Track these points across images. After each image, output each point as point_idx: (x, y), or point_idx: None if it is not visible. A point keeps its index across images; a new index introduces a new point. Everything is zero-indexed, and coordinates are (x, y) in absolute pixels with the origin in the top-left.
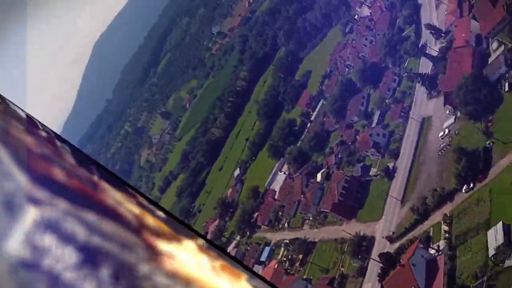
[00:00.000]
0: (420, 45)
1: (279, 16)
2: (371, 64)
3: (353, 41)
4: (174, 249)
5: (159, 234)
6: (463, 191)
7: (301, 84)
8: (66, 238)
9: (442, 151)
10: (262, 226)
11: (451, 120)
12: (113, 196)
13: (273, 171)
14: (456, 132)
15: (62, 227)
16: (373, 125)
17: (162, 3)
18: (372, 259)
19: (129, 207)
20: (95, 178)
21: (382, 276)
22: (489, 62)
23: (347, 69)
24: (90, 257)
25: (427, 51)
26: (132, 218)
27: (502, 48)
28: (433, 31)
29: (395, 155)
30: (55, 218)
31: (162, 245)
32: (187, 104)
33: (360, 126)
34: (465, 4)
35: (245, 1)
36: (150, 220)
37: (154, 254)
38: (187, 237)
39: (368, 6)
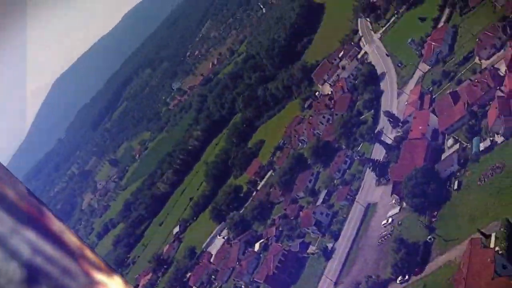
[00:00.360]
0: (376, 131)
1: (241, 82)
2: (325, 143)
3: (310, 117)
4: (108, 282)
5: (96, 267)
6: (398, 281)
7: (253, 152)
8: (11, 254)
9: (383, 239)
10: (194, 287)
11: (396, 209)
12: (58, 224)
13: (212, 234)
14: (399, 222)
15: (9, 243)
16: (318, 203)
17: (127, 51)
18: None
19: (72, 238)
20: (43, 207)
21: None
22: (442, 158)
23: (300, 144)
24: (33, 276)
25: (382, 138)
26: (75, 247)
27: (457, 146)
28: (391, 119)
29: (336, 236)
30: (2, 233)
31: (98, 276)
32: (137, 155)
33: (305, 202)
34: (426, 97)
35: (209, 62)
36: (89, 253)
37: (91, 283)
38: (120, 277)
39: (330, 84)
